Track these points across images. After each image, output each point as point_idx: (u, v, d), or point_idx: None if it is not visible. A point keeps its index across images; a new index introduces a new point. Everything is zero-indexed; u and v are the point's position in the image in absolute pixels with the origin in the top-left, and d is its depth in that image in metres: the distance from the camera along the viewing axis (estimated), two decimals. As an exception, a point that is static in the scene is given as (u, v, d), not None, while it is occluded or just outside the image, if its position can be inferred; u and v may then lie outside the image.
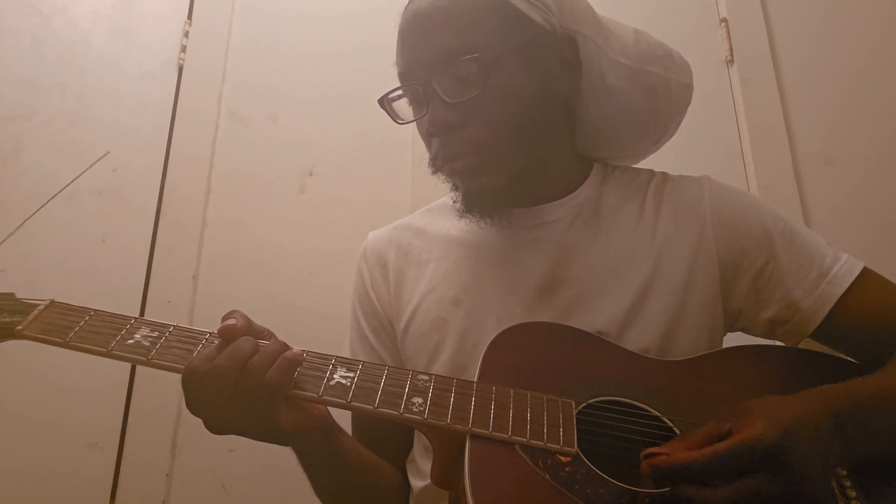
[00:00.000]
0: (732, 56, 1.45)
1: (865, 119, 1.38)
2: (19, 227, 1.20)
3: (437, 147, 0.78)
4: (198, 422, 0.63)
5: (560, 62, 0.78)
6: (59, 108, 1.38)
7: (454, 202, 0.81)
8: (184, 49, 1.47)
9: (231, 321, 0.63)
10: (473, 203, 0.78)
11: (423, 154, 0.84)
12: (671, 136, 0.91)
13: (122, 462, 1.18)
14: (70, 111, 1.39)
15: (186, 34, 1.48)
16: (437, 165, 0.80)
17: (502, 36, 0.74)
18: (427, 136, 0.80)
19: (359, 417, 0.86)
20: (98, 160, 1.30)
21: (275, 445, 0.67)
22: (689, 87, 0.87)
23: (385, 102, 0.81)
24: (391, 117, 0.82)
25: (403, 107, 0.82)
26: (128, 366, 1.23)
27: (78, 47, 1.44)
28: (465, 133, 0.75)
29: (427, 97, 0.76)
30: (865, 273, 0.76)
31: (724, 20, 1.48)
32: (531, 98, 0.76)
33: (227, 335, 0.62)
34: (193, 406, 0.61)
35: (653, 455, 0.58)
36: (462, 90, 0.73)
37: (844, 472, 0.64)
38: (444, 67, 0.74)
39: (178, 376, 0.61)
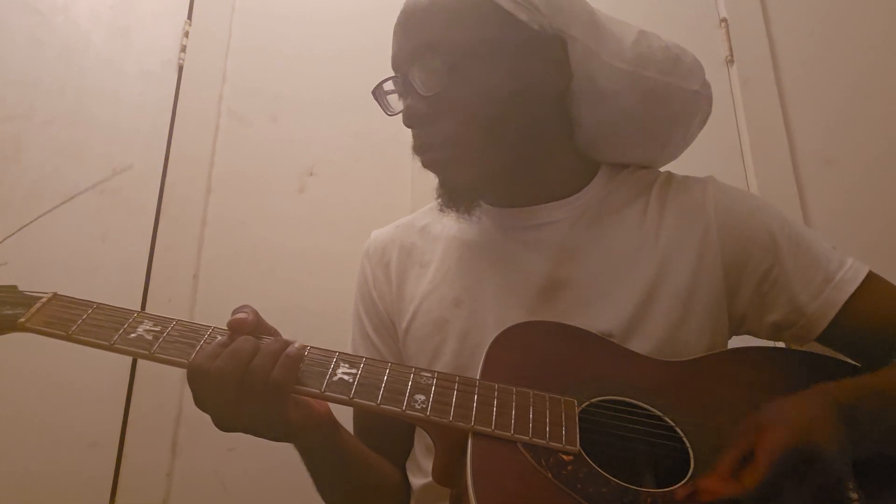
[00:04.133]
0: (732, 56, 1.45)
1: (865, 119, 1.38)
2: (23, 227, 1.20)
3: (413, 138, 0.80)
4: (198, 421, 0.63)
5: (546, 62, 0.77)
6: (59, 107, 1.38)
7: (436, 198, 0.81)
8: (184, 49, 1.47)
9: (241, 315, 0.64)
10: (449, 197, 0.79)
11: (424, 153, 0.84)
12: (684, 144, 0.88)
13: (122, 462, 1.18)
14: (70, 111, 1.38)
15: (186, 34, 1.48)
16: (416, 156, 0.81)
17: (479, 32, 0.75)
18: (408, 127, 0.81)
19: (360, 415, 0.86)
20: (124, 170, 1.31)
21: (275, 444, 0.67)
22: (696, 93, 0.83)
23: (378, 94, 0.83)
24: (382, 108, 0.83)
25: (396, 99, 0.83)
26: (128, 365, 1.23)
27: (78, 47, 1.44)
28: (435, 126, 0.76)
29: (406, 88, 0.78)
30: (870, 277, 0.76)
31: (724, 20, 1.48)
32: (509, 95, 0.76)
33: (236, 329, 0.62)
34: (200, 403, 0.61)
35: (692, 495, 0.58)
36: (434, 83, 0.75)
37: None
38: (419, 60, 0.75)
39: (178, 376, 0.62)
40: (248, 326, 0.63)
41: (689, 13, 1.50)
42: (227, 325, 0.63)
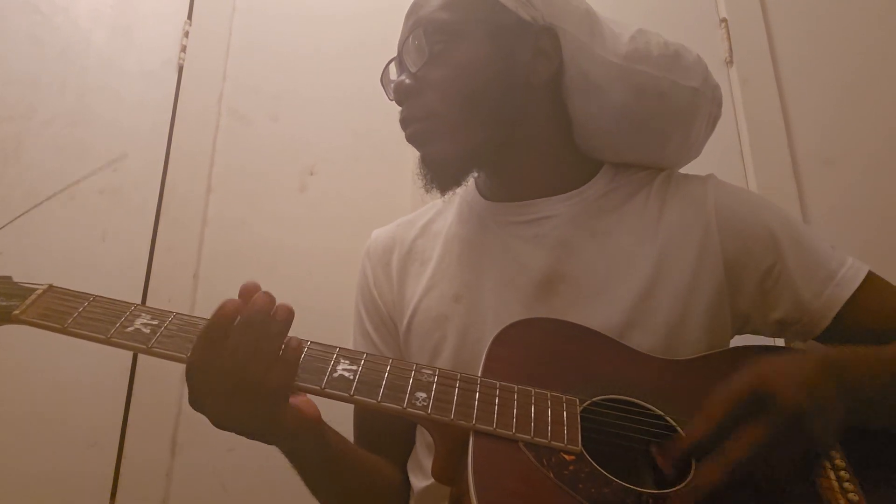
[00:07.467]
0: (732, 56, 1.45)
1: (864, 119, 1.38)
2: (21, 214, 1.20)
3: (400, 113, 0.82)
4: (198, 421, 0.62)
5: (535, 52, 0.80)
6: (60, 107, 1.38)
7: (420, 176, 0.82)
8: (184, 48, 1.47)
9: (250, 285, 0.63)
10: (430, 172, 0.80)
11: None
12: (687, 147, 0.87)
13: (122, 461, 1.18)
14: (70, 110, 1.38)
15: (186, 34, 1.48)
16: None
17: (468, 15, 0.79)
18: (398, 104, 0.84)
19: (361, 412, 0.86)
20: (115, 160, 1.31)
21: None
22: (695, 90, 0.82)
23: (385, 82, 0.87)
24: (387, 95, 0.87)
25: None
26: (128, 364, 1.22)
27: (78, 46, 1.43)
28: (419, 100, 0.79)
29: (401, 67, 0.83)
30: (870, 277, 0.76)
31: (724, 20, 1.48)
32: (491, 75, 0.78)
33: (247, 293, 0.62)
34: (198, 399, 0.60)
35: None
36: (420, 58, 0.79)
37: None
38: (411, 38, 0.80)
39: (178, 376, 0.61)
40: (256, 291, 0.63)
41: (688, 13, 1.49)
42: (240, 291, 0.63)
